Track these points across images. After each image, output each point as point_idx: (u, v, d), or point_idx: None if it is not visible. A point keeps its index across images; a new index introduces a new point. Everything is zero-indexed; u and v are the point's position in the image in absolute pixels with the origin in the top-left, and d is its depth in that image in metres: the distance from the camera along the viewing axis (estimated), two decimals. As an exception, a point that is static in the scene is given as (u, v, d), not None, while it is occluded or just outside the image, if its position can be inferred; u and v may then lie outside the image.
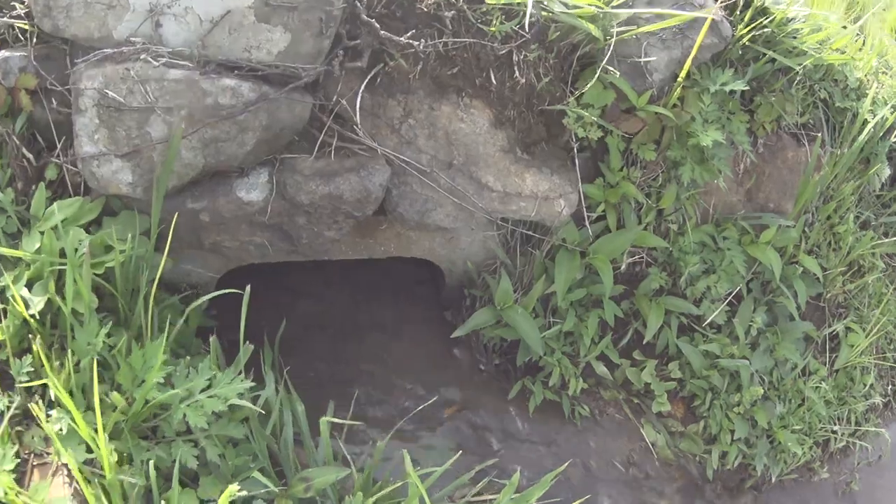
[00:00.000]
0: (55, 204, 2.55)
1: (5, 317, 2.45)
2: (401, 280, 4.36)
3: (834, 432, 4.80)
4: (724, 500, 4.39)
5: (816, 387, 4.67)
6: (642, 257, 4.30)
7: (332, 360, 3.87)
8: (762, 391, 4.28)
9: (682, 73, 3.57)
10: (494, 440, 3.88)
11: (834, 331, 4.90)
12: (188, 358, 2.64)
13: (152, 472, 2.31)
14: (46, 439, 2.42)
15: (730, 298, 4.37)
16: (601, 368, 4.06)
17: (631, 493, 4.04)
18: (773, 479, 4.46)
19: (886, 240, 4.93)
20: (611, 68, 3.35)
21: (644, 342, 4.27)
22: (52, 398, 2.41)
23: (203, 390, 2.52)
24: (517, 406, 4.03)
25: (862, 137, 4.43)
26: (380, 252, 3.50)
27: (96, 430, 2.25)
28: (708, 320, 4.30)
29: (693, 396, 4.40)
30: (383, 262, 3.77)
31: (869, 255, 4.99)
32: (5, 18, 2.65)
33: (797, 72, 4.04)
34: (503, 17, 3.12)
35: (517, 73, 3.18)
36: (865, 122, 4.47)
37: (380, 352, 4.01)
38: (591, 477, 3.97)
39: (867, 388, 5.01)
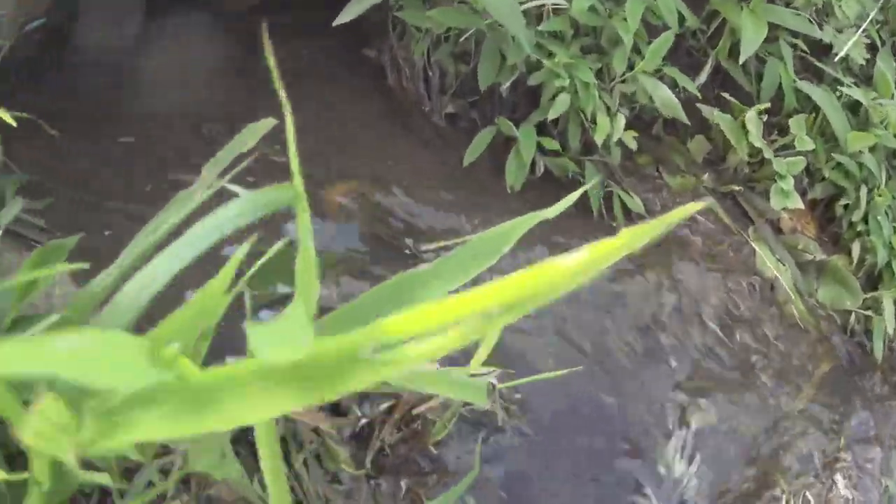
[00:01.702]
0: None
1: None
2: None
3: None
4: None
5: None
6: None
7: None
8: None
9: None
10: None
11: None
12: None
13: None
14: None
15: (862, 32, 2.05)
16: (662, 92, 1.67)
17: (733, 385, 1.63)
18: None
19: None
20: None
21: (734, 82, 1.93)
22: None
23: None
24: (489, 186, 1.65)
25: None
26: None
27: None
28: (840, 54, 1.97)
29: (831, 199, 2.04)
30: None
31: None
32: None
33: None
34: None
35: None
36: None
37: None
38: (655, 345, 1.56)
39: None
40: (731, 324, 1.69)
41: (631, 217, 1.73)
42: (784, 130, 1.97)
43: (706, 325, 1.64)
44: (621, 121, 1.61)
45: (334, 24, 1.62)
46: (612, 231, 1.64)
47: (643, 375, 1.49)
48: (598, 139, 1.57)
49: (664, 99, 1.66)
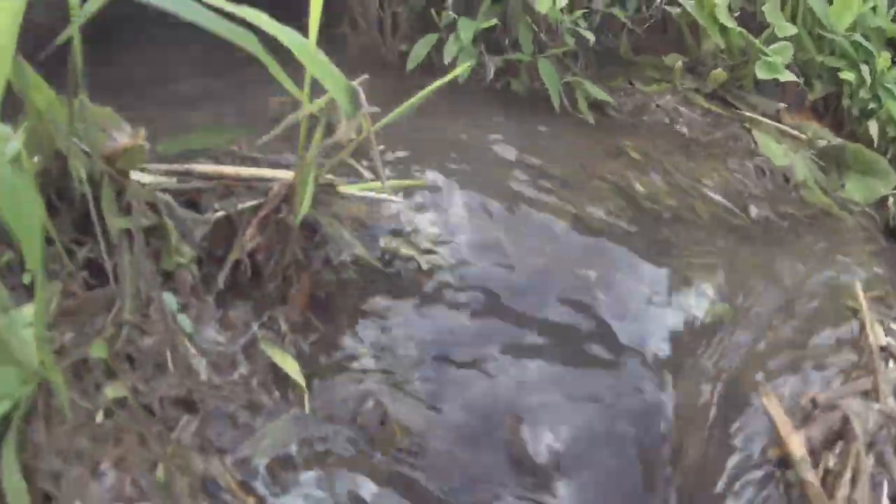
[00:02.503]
0: None
1: None
2: None
3: None
4: None
5: None
6: None
7: None
8: None
9: None
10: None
11: None
12: None
13: None
14: None
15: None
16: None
17: (759, 254, 1.29)
18: None
19: None
20: None
21: None
22: None
23: None
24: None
25: None
26: None
27: None
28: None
29: (836, 103, 1.77)
30: None
31: None
32: None
33: None
34: None
35: None
36: None
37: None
38: (645, 219, 1.26)
39: None
40: (744, 201, 1.38)
41: (603, 111, 1.49)
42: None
43: (709, 199, 1.34)
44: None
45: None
46: (579, 122, 1.40)
47: (633, 249, 1.18)
48: (542, 8, 1.35)
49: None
